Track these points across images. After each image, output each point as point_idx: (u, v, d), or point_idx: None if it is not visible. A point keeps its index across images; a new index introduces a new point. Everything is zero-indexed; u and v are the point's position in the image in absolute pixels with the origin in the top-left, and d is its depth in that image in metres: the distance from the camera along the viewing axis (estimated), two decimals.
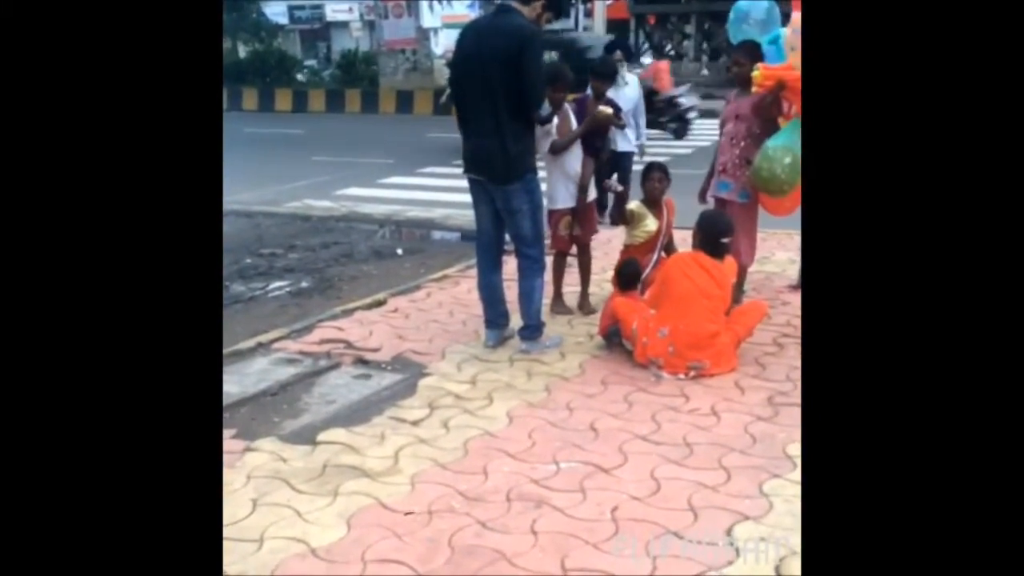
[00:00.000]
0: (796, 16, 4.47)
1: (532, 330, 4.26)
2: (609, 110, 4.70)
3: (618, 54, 6.90)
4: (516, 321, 4.39)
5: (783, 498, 2.82)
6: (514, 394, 3.75)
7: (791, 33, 4.48)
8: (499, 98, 3.89)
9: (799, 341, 4.34)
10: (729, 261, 4.09)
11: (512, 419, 3.49)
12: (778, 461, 3.07)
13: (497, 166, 4.00)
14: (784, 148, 4.36)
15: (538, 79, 3.93)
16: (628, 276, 4.42)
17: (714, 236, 4.04)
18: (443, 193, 9.36)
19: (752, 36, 4.83)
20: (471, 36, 4.08)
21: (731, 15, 5.07)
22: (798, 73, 4.29)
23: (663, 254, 4.71)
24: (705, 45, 26.93)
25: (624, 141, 6.53)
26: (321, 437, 3.37)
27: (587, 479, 2.98)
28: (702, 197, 4.99)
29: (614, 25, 30.17)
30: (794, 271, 5.51)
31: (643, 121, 7.05)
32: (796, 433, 3.27)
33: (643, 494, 2.87)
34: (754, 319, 4.13)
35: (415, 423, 3.49)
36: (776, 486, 2.89)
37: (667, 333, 3.89)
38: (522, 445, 3.26)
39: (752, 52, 4.68)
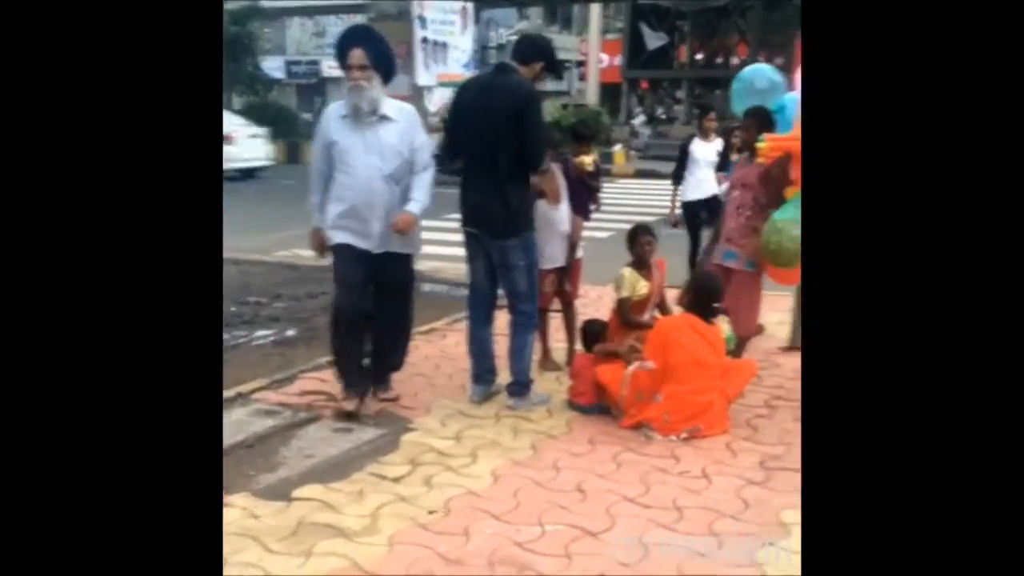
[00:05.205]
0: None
1: (521, 386, 4.17)
2: (588, 159, 4.77)
3: None
4: (503, 377, 4.30)
5: (777, 568, 2.70)
6: (499, 452, 3.64)
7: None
8: (500, 154, 3.89)
9: (791, 404, 4.25)
10: (718, 325, 4.04)
11: (497, 478, 3.37)
12: (771, 528, 2.95)
13: (497, 221, 3.98)
14: (794, 221, 4.30)
15: (540, 136, 3.95)
16: (594, 335, 4.45)
17: (707, 299, 3.98)
18: (433, 246, 9.29)
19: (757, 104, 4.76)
20: (471, 92, 4.09)
21: (734, 84, 5.00)
22: None
23: (657, 313, 4.64)
24: (696, 110, 27.38)
25: None
26: (297, 493, 3.23)
27: (573, 543, 2.86)
28: (696, 264, 4.93)
29: (607, 89, 30.73)
30: (784, 333, 5.44)
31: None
32: (790, 499, 3.16)
33: (631, 560, 2.75)
34: (745, 379, 4.06)
35: (396, 480, 3.37)
36: (770, 555, 2.78)
37: (663, 399, 3.80)
38: (506, 505, 3.13)
39: (762, 119, 4.62)
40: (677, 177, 6.92)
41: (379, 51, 3.94)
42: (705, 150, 6.78)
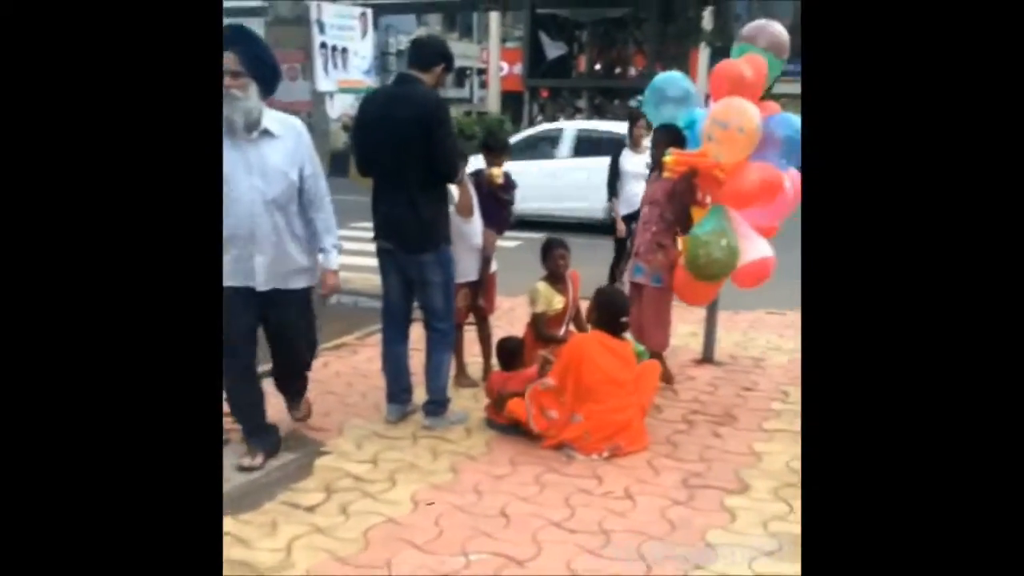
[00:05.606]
0: (713, 106, 4.40)
1: (438, 405, 4.06)
2: (499, 171, 4.68)
3: None
4: (419, 395, 4.17)
5: None
6: (418, 475, 3.51)
7: (709, 123, 4.34)
8: (410, 167, 3.77)
9: (708, 418, 4.28)
10: (628, 341, 4.04)
11: (417, 504, 3.25)
12: (699, 551, 2.92)
13: (411, 235, 3.86)
14: (717, 232, 4.32)
15: (449, 146, 3.83)
16: (509, 352, 4.38)
17: (613, 315, 3.97)
18: (341, 256, 9.04)
19: (671, 115, 4.73)
20: (376, 105, 3.92)
21: (647, 93, 4.85)
22: (711, 160, 4.26)
23: (572, 327, 4.61)
24: (596, 118, 27.73)
25: None
26: None
27: (500, 572, 2.77)
28: (614, 278, 4.91)
29: (509, 97, 30.85)
30: (697, 344, 5.50)
31: None
32: (714, 518, 3.16)
33: None
34: (654, 383, 4.06)
35: (310, 509, 3.20)
36: None
37: (582, 419, 3.76)
38: (428, 534, 3.02)
39: (671, 136, 4.61)
40: (611, 189, 6.58)
41: (255, 54, 3.38)
42: (635, 162, 6.47)
